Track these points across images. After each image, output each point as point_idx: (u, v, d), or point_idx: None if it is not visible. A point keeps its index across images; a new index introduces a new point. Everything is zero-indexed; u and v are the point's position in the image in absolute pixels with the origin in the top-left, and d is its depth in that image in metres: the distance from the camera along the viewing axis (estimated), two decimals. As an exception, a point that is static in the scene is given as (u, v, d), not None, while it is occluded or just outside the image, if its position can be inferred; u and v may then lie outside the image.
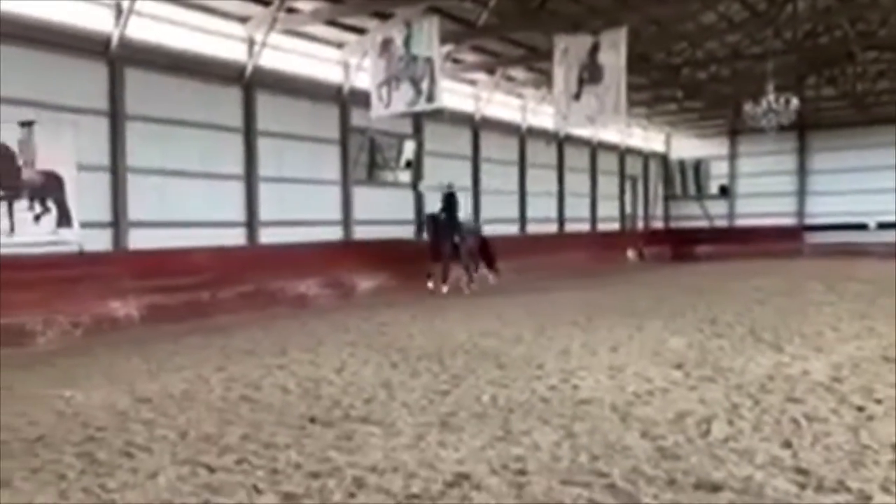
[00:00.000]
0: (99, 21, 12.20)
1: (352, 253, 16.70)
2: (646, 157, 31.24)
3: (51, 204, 11.50)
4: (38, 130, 11.22)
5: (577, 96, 15.25)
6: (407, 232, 18.79)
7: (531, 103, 23.01)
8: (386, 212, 18.07)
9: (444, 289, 15.96)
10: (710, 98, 25.73)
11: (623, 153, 29.29)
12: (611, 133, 27.01)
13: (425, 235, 16.46)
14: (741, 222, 30.64)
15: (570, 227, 25.79)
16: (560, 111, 15.91)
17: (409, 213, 18.98)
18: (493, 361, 8.03)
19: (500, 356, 8.32)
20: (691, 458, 4.60)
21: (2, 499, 4.31)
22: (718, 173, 31.87)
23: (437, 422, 5.67)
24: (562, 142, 24.89)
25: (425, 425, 5.58)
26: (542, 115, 22.49)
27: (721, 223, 31.39)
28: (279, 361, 8.43)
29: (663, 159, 32.57)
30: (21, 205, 11.18)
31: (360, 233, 17.18)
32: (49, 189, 11.46)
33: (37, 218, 11.36)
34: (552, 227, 25.04)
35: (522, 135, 23.34)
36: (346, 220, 17.00)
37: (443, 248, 16.15)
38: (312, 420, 5.86)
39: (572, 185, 25.89)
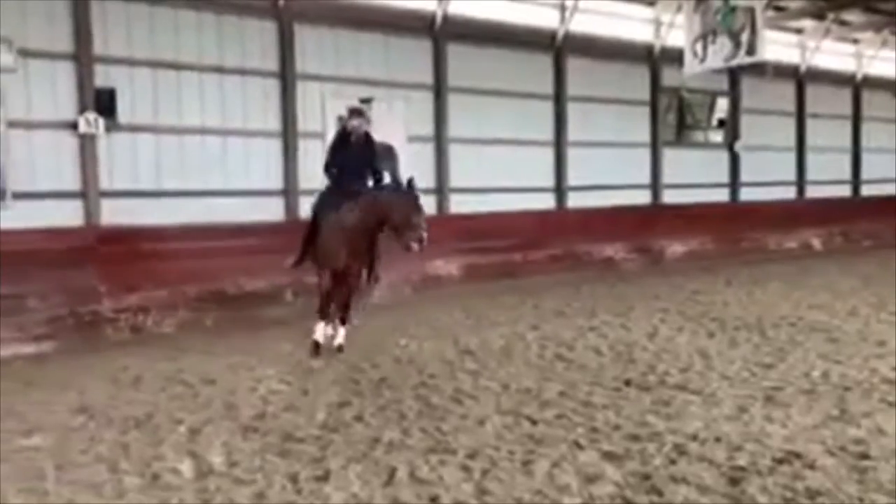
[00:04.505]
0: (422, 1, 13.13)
1: (661, 217, 16.28)
2: None
3: (386, 173, 12.77)
4: (375, 106, 12.50)
5: (932, 37, 13.26)
6: (722, 195, 17.87)
7: (868, 50, 20.33)
8: (696, 174, 17.28)
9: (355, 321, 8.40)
10: None
11: None
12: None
13: None
14: None
15: (915, 189, 22.52)
16: (908, 56, 13.97)
17: (723, 176, 17.98)
18: (824, 335, 7.42)
19: (831, 330, 7.66)
20: None
21: (357, 431, 4.97)
22: None
23: (760, 395, 5.41)
24: (908, 91, 21.74)
25: (748, 398, 5.35)
26: (883, 63, 19.79)
27: None
28: (590, 323, 8.59)
29: None
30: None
31: (669, 196, 16.66)
32: (385, 159, 12.73)
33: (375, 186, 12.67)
34: (893, 189, 22.06)
35: (857, 86, 20.76)
36: (655, 184, 16.59)
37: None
38: (628, 383, 5.90)
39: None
